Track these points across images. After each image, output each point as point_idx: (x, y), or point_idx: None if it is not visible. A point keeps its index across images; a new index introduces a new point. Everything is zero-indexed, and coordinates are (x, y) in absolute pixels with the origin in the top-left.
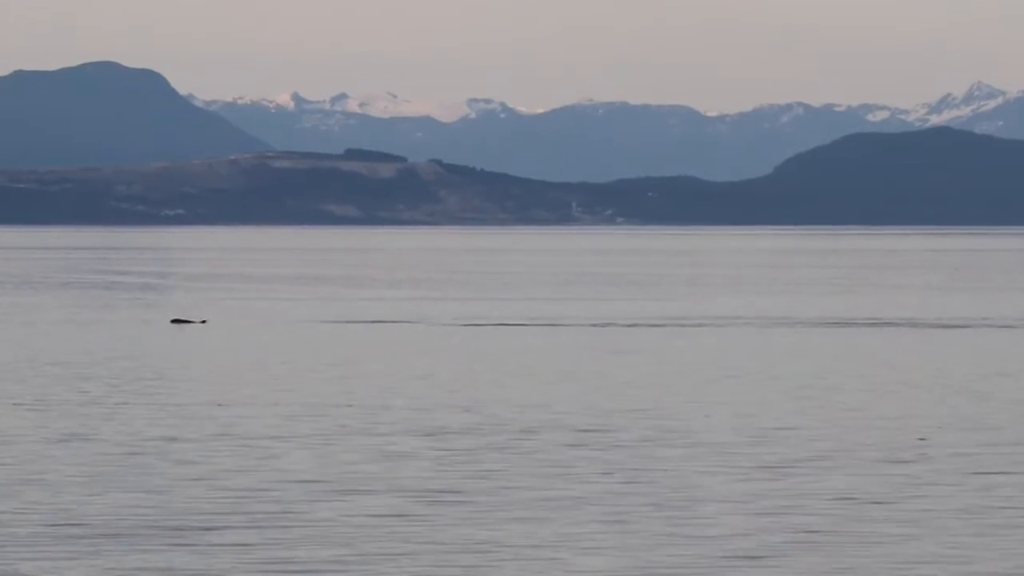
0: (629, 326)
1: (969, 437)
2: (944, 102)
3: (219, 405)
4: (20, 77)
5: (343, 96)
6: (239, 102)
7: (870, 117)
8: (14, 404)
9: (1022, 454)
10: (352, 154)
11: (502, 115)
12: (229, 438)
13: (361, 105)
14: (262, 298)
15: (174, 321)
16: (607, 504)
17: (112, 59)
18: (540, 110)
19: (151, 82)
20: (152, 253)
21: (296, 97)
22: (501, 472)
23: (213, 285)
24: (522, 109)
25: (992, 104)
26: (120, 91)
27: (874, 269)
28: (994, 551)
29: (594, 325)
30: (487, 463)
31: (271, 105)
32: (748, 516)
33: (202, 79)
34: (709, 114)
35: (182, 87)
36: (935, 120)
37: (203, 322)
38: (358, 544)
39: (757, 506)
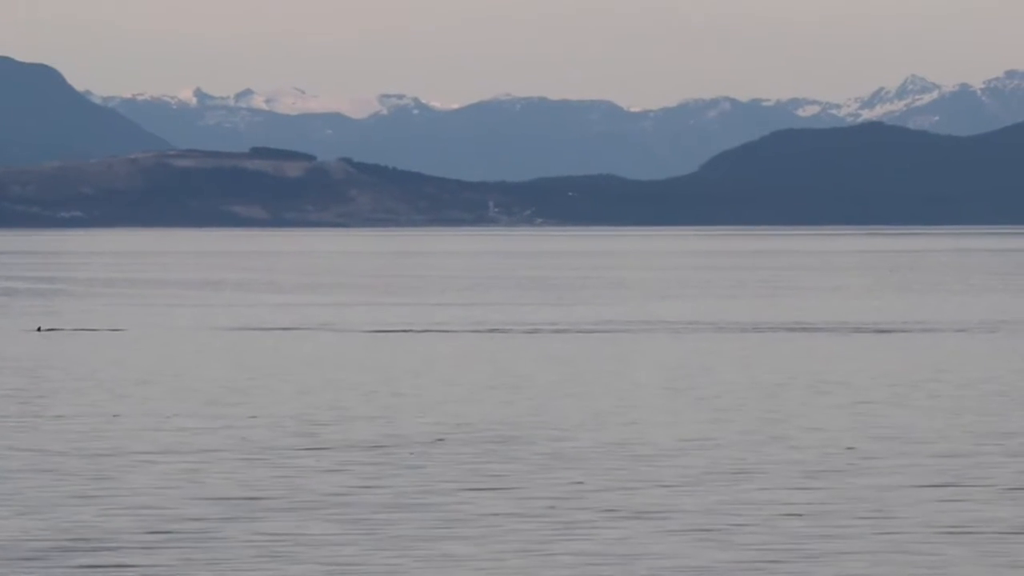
0: (549, 332)
1: (897, 448)
2: (877, 96)
3: (115, 416)
4: None
5: (248, 92)
6: (139, 98)
7: (800, 112)
8: None
9: (951, 465)
10: (258, 152)
11: (415, 111)
12: (119, 455)
13: (267, 101)
14: (161, 304)
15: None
16: (507, 524)
17: (4, 54)
18: (455, 106)
19: (46, 77)
20: (44, 257)
21: (199, 93)
22: (395, 486)
23: (110, 291)
24: (436, 105)
25: (927, 98)
26: (13, 87)
27: (804, 271)
28: (919, 567)
29: (507, 330)
30: (386, 476)
31: (172, 101)
32: (669, 533)
33: (100, 74)
34: (632, 109)
35: (79, 82)
36: (867, 115)
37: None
38: (260, 564)
39: (679, 522)
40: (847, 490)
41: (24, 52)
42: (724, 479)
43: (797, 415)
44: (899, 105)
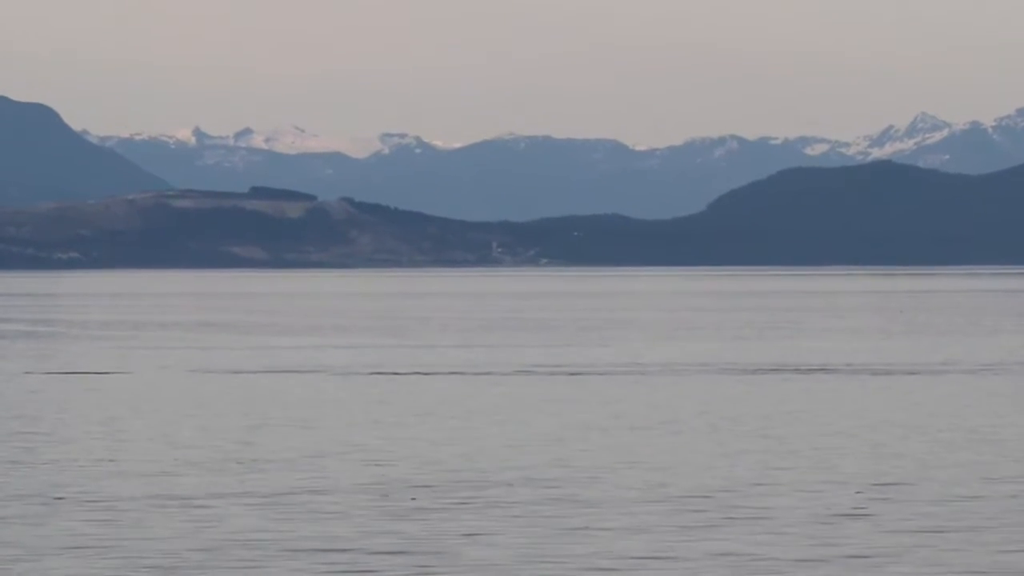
0: (548, 374)
1: (907, 492)
2: (886, 134)
3: (111, 461)
4: None
5: (247, 131)
6: (136, 138)
7: (808, 151)
8: None
9: (966, 507)
10: (258, 192)
11: (417, 150)
12: (118, 500)
13: (267, 140)
14: (160, 347)
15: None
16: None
17: (0, 93)
18: (458, 144)
19: (41, 116)
20: (41, 300)
21: (197, 132)
22: (374, 532)
23: (107, 333)
24: (438, 143)
25: (937, 136)
26: (8, 126)
27: (812, 312)
28: None
29: (512, 373)
30: (377, 523)
31: (171, 141)
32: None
33: (97, 113)
34: (638, 148)
35: (75, 122)
36: (877, 153)
37: None
38: None
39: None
40: (854, 536)
41: (19, 91)
42: (726, 527)
43: (803, 459)
44: (909, 143)
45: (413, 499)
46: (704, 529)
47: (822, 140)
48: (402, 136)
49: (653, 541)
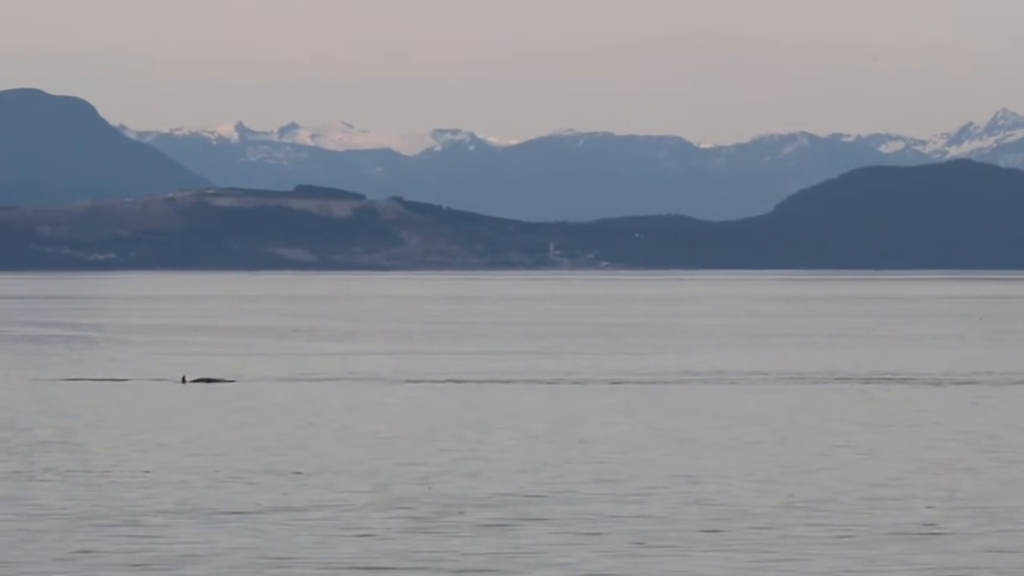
0: (611, 383)
1: (983, 508)
2: (965, 132)
3: (146, 472)
4: None
5: (293, 126)
6: (176, 133)
7: (882, 148)
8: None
9: None
10: (303, 191)
11: (471, 147)
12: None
13: (313, 136)
14: (202, 352)
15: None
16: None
17: (33, 86)
18: (514, 141)
19: (78, 111)
20: (79, 303)
21: (240, 127)
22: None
23: (153, 338)
24: (493, 140)
25: (1018, 134)
26: (43, 121)
27: (887, 318)
28: None
29: (568, 381)
30: (428, 539)
31: (212, 136)
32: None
33: (135, 108)
34: (703, 146)
35: (113, 117)
36: (955, 152)
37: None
38: None
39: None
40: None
41: (55, 84)
42: (789, 543)
43: (880, 472)
44: (989, 141)
45: (461, 513)
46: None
47: (897, 137)
48: (455, 132)
49: (737, 559)
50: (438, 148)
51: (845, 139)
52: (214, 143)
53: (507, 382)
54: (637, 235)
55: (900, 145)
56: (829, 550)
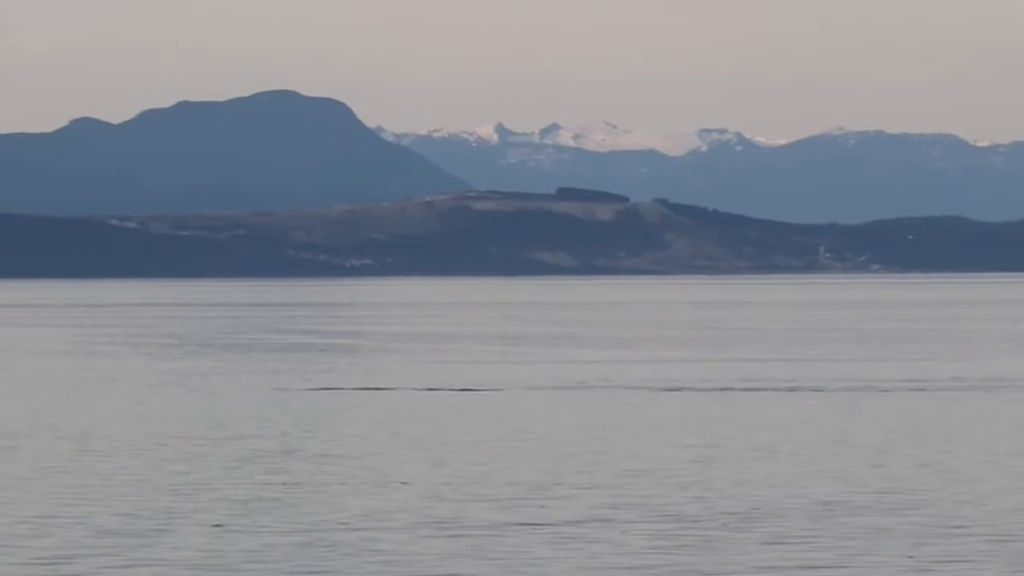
0: (884, 391)
1: None
2: None
3: (403, 484)
4: (185, 109)
5: (554, 127)
6: (435, 135)
7: None
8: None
9: None
10: (565, 194)
11: (738, 147)
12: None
13: (575, 137)
14: (467, 361)
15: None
16: None
17: (289, 87)
18: (782, 141)
19: (334, 113)
20: (340, 310)
21: (500, 129)
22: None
23: (414, 346)
24: (761, 140)
25: None
26: (298, 124)
27: None
28: None
29: (842, 390)
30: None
31: (471, 138)
32: None
33: (392, 109)
34: (979, 144)
35: (369, 119)
36: None
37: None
38: None
39: None
40: None
41: (310, 86)
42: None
43: None
44: None
45: (725, 524)
46: None
47: None
48: (721, 132)
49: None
50: (704, 149)
51: None
52: (474, 145)
53: (780, 391)
54: (911, 237)
55: None
56: None
